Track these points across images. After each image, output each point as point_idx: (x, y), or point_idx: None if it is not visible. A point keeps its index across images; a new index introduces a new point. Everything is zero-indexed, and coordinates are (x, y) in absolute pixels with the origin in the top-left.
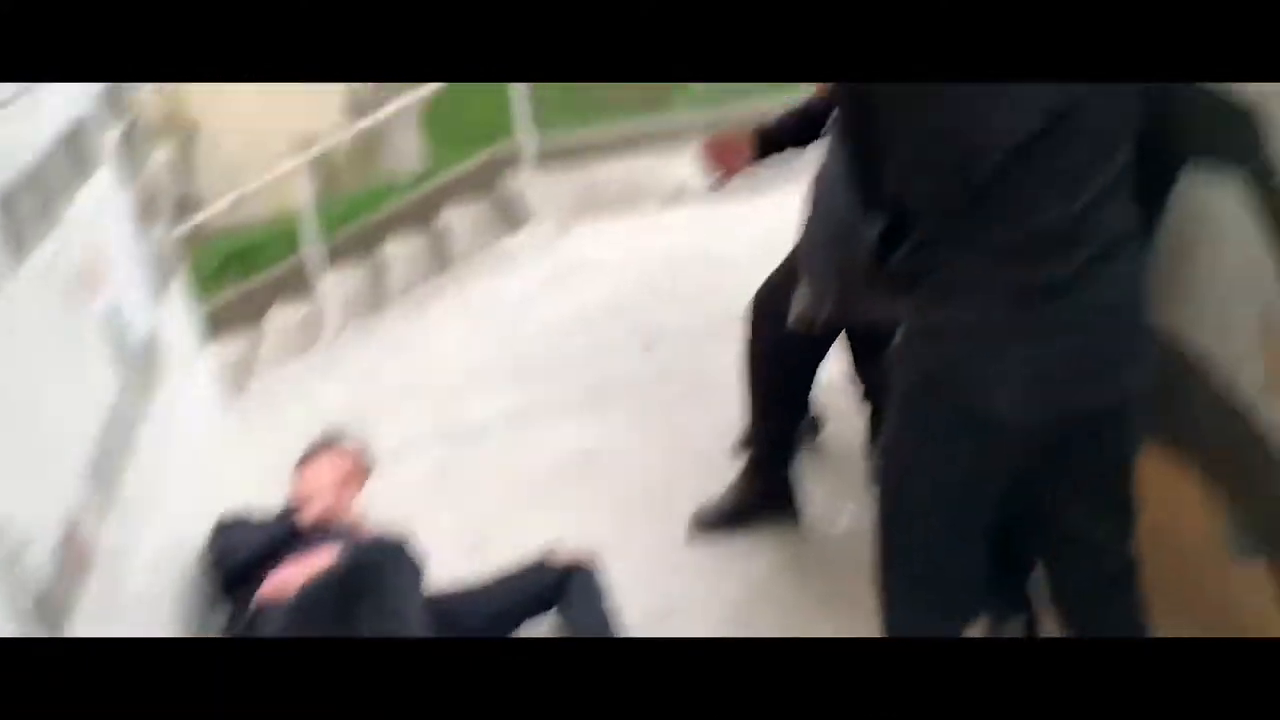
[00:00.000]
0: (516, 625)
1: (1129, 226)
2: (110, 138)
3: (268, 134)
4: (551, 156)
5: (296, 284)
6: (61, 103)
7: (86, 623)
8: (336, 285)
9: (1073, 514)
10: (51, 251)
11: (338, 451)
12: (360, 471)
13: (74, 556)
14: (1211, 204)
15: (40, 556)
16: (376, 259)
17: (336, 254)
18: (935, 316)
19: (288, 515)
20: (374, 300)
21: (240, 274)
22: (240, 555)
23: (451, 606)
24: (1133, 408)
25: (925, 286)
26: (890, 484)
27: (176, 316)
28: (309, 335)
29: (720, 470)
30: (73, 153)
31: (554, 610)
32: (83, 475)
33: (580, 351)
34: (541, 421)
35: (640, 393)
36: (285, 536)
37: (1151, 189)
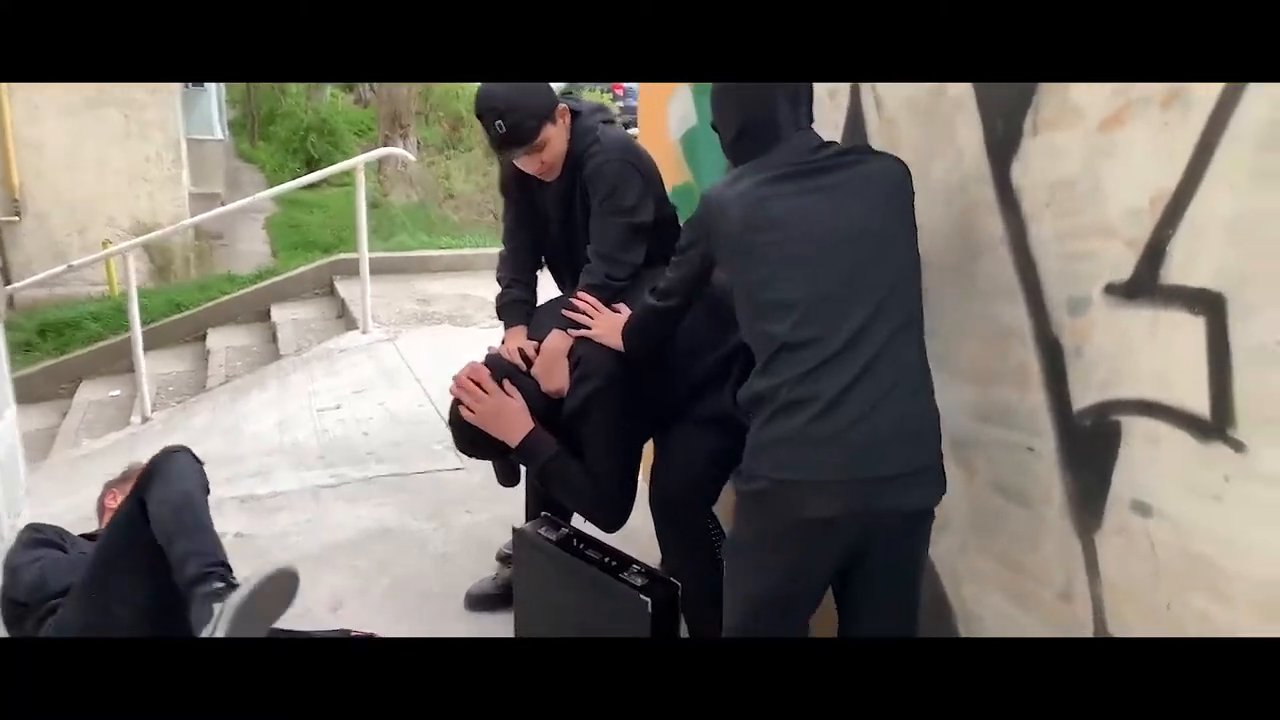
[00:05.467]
0: None
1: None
2: None
3: (98, 217)
4: (387, 269)
5: (112, 363)
6: None
7: None
8: (157, 366)
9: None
10: None
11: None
12: None
13: None
14: None
15: None
16: (204, 346)
17: (163, 337)
18: (762, 435)
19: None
20: (196, 384)
21: (55, 348)
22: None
23: None
24: (929, 513)
25: (756, 411)
26: (733, 577)
27: None
28: (121, 413)
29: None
30: None
31: None
32: None
33: (388, 443)
34: (341, 500)
35: (437, 483)
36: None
37: None
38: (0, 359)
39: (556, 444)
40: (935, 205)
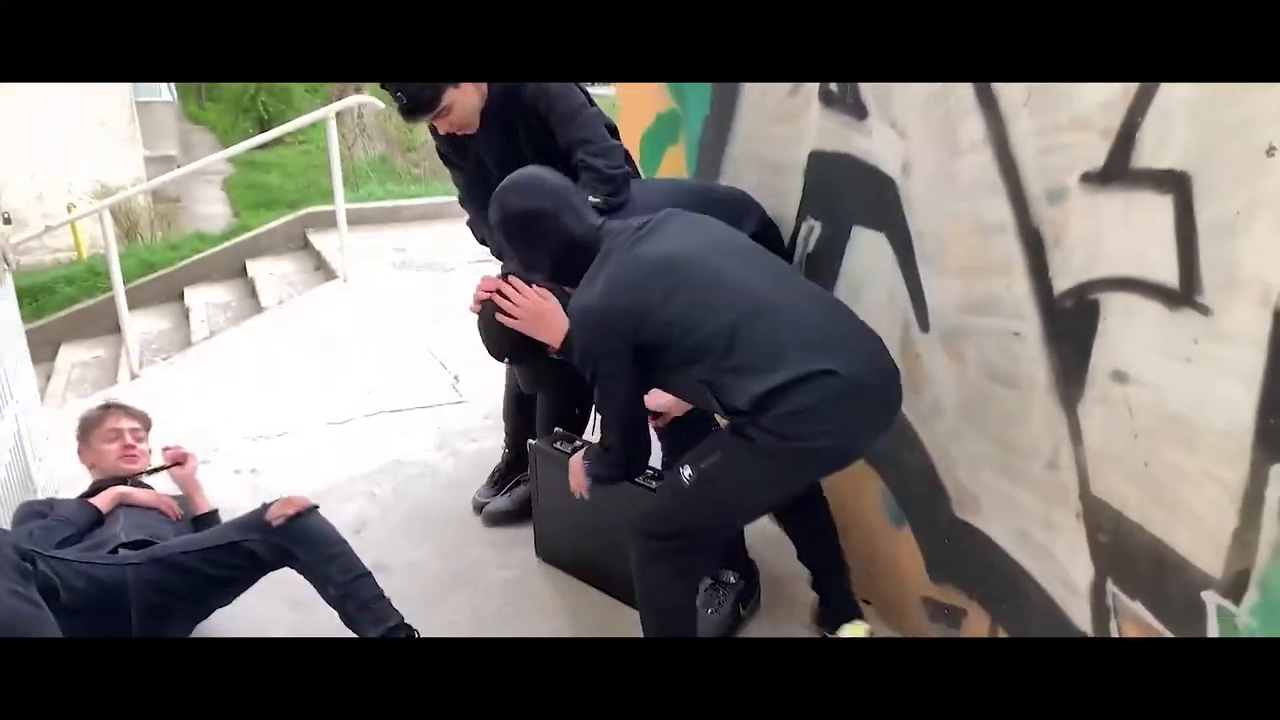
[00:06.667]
0: (235, 554)
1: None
2: None
3: (57, 184)
4: (359, 220)
5: (91, 324)
6: None
7: None
8: (137, 326)
9: None
10: None
11: (115, 414)
12: (142, 423)
13: None
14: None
15: None
16: (183, 304)
17: (140, 298)
18: (795, 403)
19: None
20: (180, 340)
21: (32, 313)
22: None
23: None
24: None
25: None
26: (709, 487)
27: None
28: (106, 373)
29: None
30: None
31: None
32: None
33: (387, 382)
34: (349, 435)
35: (439, 416)
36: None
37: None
38: (14, 315)
39: None
40: (916, 111)
